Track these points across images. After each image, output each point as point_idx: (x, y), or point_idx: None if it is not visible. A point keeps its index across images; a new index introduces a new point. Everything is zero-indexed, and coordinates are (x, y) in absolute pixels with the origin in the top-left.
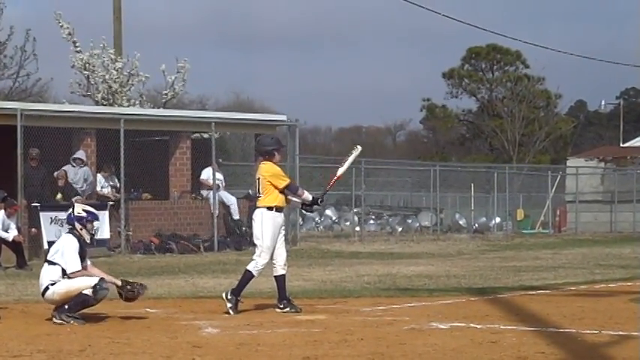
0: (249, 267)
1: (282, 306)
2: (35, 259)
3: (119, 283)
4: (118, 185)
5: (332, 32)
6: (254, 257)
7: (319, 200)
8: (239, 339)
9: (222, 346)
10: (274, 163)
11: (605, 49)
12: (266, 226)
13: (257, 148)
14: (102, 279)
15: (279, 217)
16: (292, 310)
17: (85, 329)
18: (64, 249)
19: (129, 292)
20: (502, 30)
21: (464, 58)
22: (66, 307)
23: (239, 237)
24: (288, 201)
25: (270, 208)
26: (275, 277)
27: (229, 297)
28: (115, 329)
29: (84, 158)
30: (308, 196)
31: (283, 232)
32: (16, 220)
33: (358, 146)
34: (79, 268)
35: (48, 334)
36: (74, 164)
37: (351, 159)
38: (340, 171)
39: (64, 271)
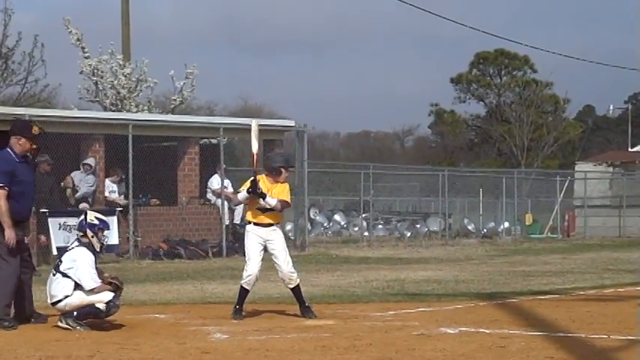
0: (241, 281)
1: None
2: (44, 265)
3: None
4: (125, 191)
5: (339, 38)
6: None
7: (250, 189)
8: (248, 344)
9: (230, 351)
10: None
11: (614, 53)
12: (245, 238)
13: (265, 164)
14: (116, 295)
15: (256, 231)
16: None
17: (93, 335)
18: (80, 265)
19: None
20: (510, 35)
21: (472, 63)
22: (74, 313)
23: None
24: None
25: (248, 222)
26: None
27: (234, 316)
28: (124, 335)
29: (92, 164)
30: (244, 195)
31: (273, 248)
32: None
33: (253, 120)
34: (97, 283)
35: (57, 339)
36: (83, 170)
37: (254, 136)
38: (254, 149)
39: (76, 284)
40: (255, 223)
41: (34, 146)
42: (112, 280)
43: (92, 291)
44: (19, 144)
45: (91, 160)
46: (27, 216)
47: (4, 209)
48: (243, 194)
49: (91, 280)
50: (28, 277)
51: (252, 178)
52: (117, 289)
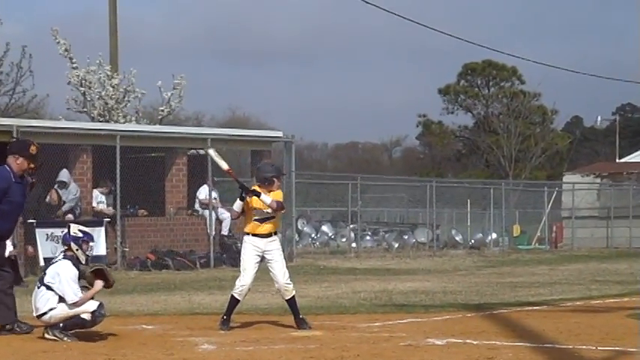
0: (233, 290)
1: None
2: (31, 276)
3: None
4: (113, 202)
5: (328, 49)
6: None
7: (242, 194)
8: (235, 355)
9: None
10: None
11: (601, 65)
12: (242, 249)
13: (256, 174)
14: (100, 304)
15: (254, 242)
16: None
17: (80, 346)
18: (62, 278)
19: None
20: (498, 46)
21: (460, 74)
22: (61, 325)
23: (234, 253)
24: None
25: (246, 233)
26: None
27: (221, 327)
28: (111, 346)
29: (66, 180)
30: (238, 203)
31: (271, 258)
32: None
33: (210, 150)
34: (79, 297)
35: (44, 350)
36: (58, 188)
37: (217, 159)
38: (224, 167)
39: (60, 297)
40: (253, 234)
41: (32, 165)
42: (95, 270)
43: (75, 304)
44: (16, 163)
45: (63, 176)
46: (5, 236)
47: None
48: (237, 204)
49: (73, 294)
50: (7, 287)
51: (238, 186)
52: (106, 280)
